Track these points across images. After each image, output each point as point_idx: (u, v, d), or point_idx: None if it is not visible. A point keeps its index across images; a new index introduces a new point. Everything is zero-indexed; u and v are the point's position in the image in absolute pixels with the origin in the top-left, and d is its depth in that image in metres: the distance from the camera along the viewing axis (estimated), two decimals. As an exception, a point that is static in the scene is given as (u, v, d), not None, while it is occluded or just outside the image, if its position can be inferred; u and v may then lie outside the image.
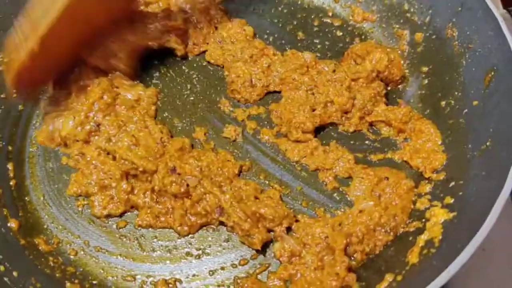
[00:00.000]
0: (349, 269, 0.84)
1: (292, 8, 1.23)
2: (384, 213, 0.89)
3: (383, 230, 0.88)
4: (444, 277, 0.69)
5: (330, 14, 1.22)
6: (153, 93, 1.09)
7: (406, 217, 0.90)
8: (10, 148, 1.05)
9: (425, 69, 1.07)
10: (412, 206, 0.91)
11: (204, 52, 1.16)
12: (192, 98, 1.11)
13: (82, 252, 0.93)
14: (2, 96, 1.08)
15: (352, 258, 0.87)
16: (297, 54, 1.10)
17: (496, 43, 0.90)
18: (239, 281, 0.88)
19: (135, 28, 1.10)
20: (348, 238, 0.86)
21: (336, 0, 1.22)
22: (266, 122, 1.07)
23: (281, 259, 0.88)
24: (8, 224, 0.94)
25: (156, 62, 1.16)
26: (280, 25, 1.21)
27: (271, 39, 1.18)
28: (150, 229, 0.94)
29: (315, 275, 0.83)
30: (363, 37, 1.18)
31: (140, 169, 0.95)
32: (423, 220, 0.86)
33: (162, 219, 0.94)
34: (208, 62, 1.15)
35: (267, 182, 0.99)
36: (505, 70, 0.88)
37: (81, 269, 0.91)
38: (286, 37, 1.19)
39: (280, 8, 1.23)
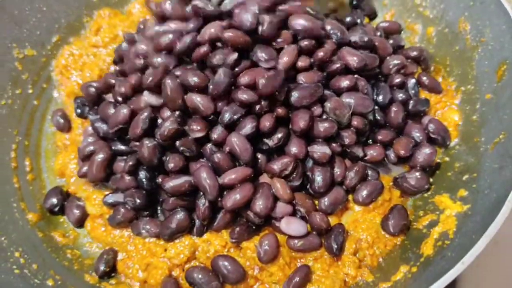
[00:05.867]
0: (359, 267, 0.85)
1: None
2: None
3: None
4: (459, 268, 0.70)
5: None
6: None
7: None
8: (26, 143, 1.06)
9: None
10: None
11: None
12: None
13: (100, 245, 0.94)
14: (17, 92, 1.08)
15: (363, 263, 0.87)
16: None
17: (508, 36, 0.90)
18: None
19: None
20: (357, 243, 0.86)
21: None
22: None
23: None
24: (26, 217, 0.96)
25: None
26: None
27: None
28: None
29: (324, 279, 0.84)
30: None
31: None
32: (437, 212, 0.87)
33: None
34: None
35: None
36: (518, 63, 0.88)
37: (99, 262, 0.92)
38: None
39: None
